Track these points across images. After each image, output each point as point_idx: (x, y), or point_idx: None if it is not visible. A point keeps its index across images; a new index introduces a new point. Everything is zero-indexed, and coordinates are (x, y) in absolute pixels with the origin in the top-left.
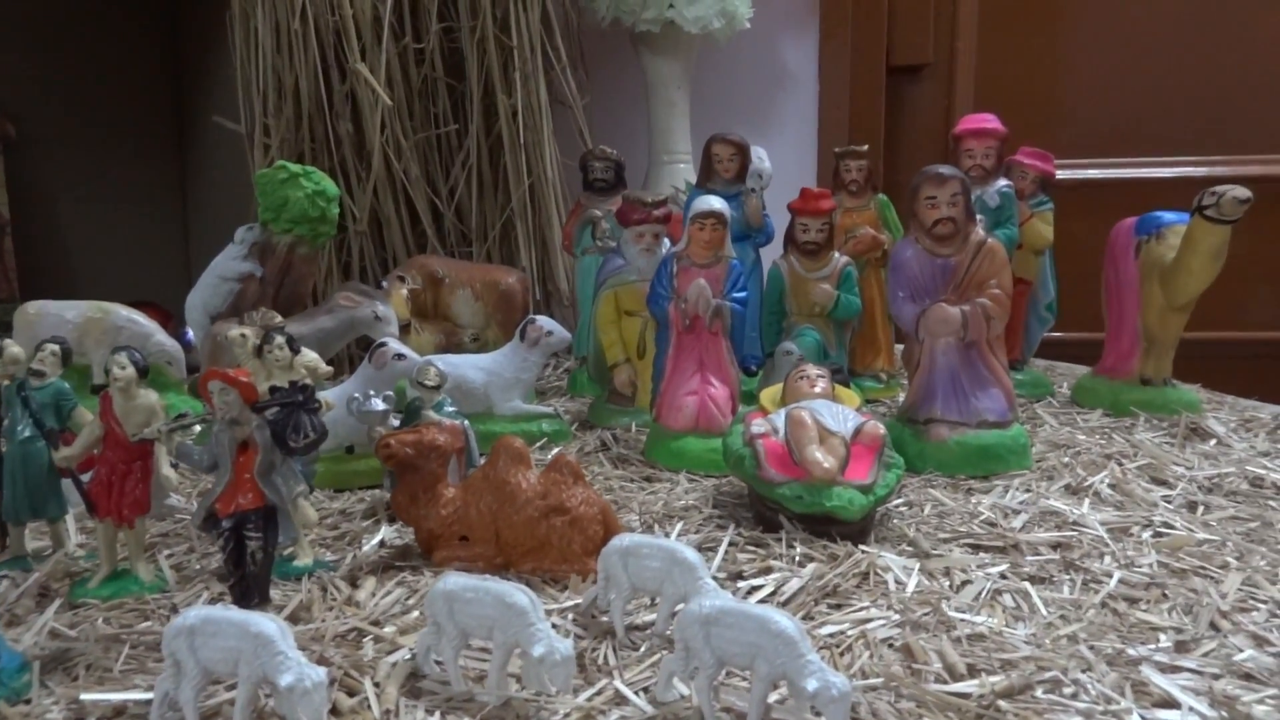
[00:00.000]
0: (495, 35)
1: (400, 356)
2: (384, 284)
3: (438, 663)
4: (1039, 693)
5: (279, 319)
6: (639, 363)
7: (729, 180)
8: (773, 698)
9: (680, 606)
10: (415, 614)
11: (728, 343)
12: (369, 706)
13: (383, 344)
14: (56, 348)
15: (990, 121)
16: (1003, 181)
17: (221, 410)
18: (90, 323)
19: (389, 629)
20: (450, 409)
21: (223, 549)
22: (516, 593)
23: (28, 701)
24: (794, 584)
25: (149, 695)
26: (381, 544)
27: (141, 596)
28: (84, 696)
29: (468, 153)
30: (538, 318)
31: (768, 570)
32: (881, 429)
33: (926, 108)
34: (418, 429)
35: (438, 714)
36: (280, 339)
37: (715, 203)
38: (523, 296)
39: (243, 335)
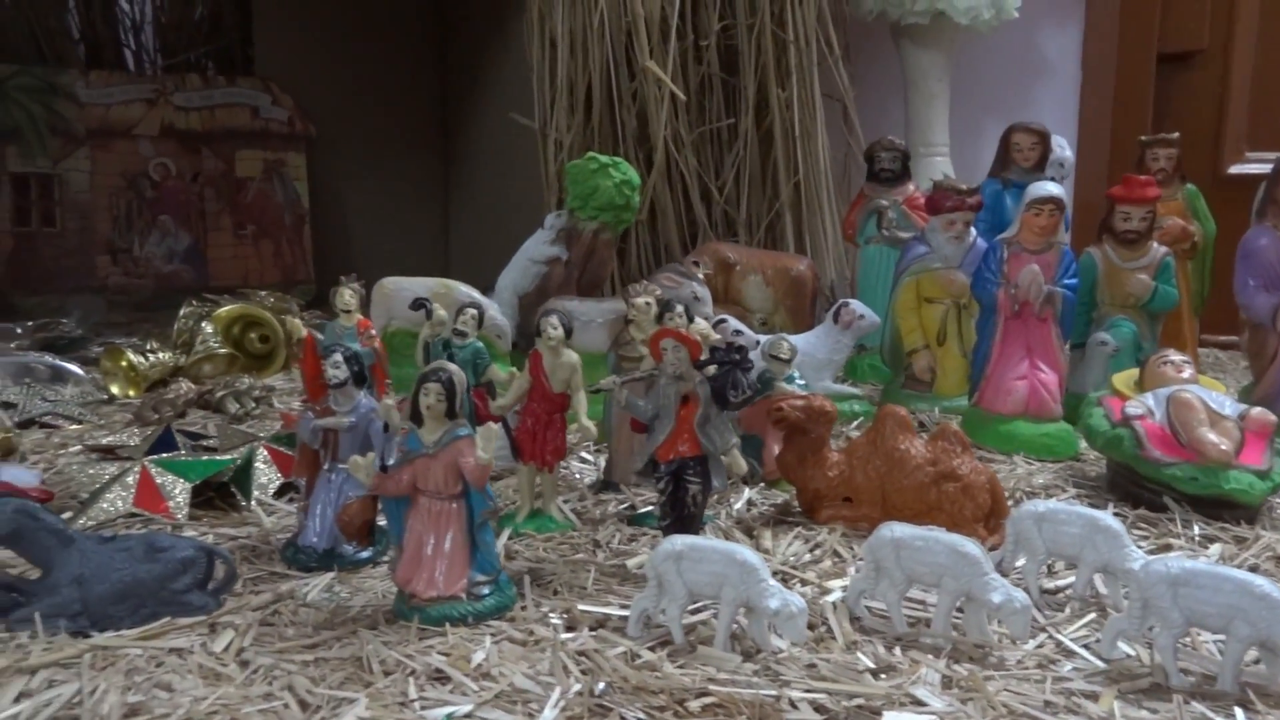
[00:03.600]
0: (772, 30)
1: (738, 334)
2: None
3: (868, 607)
4: None
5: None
6: (938, 349)
7: (1028, 169)
8: None
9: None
10: (826, 563)
11: (1058, 329)
12: (833, 635)
13: (723, 319)
14: (475, 311)
15: None
16: None
17: (672, 366)
18: (436, 297)
19: (809, 574)
20: (800, 381)
21: (661, 492)
22: (968, 542)
23: (523, 608)
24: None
25: (624, 611)
26: (749, 504)
27: (563, 532)
28: (580, 607)
29: (738, 149)
30: (851, 301)
31: (1167, 548)
32: (1272, 416)
33: (1197, 97)
34: (806, 396)
35: (898, 649)
36: (680, 307)
37: (1053, 188)
38: (813, 284)
39: (647, 303)
